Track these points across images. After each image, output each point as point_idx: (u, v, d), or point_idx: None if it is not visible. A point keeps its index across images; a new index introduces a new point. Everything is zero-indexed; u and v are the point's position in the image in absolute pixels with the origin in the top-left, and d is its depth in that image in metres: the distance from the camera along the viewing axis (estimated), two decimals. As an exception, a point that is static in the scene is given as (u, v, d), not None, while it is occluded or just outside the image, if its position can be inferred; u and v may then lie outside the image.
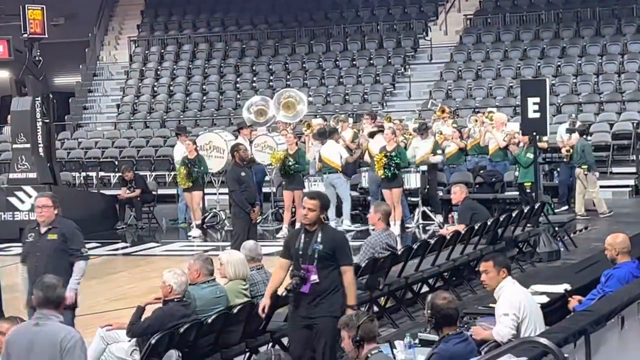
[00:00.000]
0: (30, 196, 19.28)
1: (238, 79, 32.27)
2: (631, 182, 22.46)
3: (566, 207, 20.16)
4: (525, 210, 15.38)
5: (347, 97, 29.79)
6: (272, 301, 8.93)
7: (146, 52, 34.88)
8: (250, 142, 20.19)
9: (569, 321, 7.62)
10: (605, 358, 7.36)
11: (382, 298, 12.15)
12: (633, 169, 22.81)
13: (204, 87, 32.53)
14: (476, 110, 24.90)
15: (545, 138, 19.24)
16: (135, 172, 22.94)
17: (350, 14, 33.69)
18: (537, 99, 16.32)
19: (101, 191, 24.13)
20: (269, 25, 34.34)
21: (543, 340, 5.81)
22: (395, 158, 18.13)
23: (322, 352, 8.61)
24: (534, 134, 16.96)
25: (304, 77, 31.20)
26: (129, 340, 9.10)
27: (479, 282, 10.91)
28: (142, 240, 20.15)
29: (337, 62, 31.60)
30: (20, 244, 10.53)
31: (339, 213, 19.37)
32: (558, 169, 21.07)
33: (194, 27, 35.61)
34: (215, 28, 35.22)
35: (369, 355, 6.92)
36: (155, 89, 33.14)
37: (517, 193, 19.39)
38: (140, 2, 37.09)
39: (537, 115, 16.33)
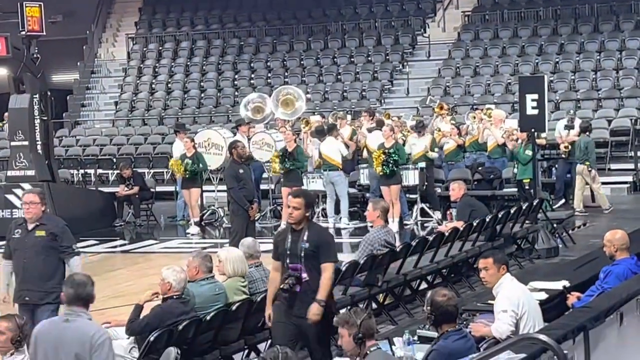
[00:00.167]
0: (28, 193, 19.26)
1: (236, 76, 32.25)
2: (629, 178, 22.46)
3: (563, 201, 20.16)
4: (524, 207, 15.38)
5: (345, 94, 29.78)
6: (275, 299, 8.84)
7: (144, 49, 34.85)
8: (249, 139, 20.19)
9: (568, 318, 7.62)
10: (604, 354, 7.36)
11: (381, 295, 12.15)
12: (631, 166, 22.80)
13: (202, 84, 32.53)
14: (474, 107, 24.89)
15: (543, 135, 19.24)
16: (134, 169, 22.92)
17: (348, 11, 33.67)
18: (536, 96, 16.31)
19: (99, 188, 24.10)
20: (267, 22, 34.32)
21: (542, 337, 5.81)
22: (393, 155, 18.14)
23: (314, 349, 8.64)
24: (533, 130, 16.96)
25: (302, 74, 31.19)
26: (128, 338, 9.11)
27: (477, 279, 10.93)
28: (140, 238, 20.15)
29: (335, 59, 31.58)
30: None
31: (338, 210, 19.37)
32: (556, 166, 21.07)
33: (191, 24, 35.60)
34: (213, 25, 35.21)
35: (368, 352, 6.90)
36: (153, 86, 33.13)
37: (516, 190, 19.40)
38: (138, 0, 37.10)
39: (536, 111, 16.31)
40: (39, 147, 20.23)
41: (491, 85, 27.97)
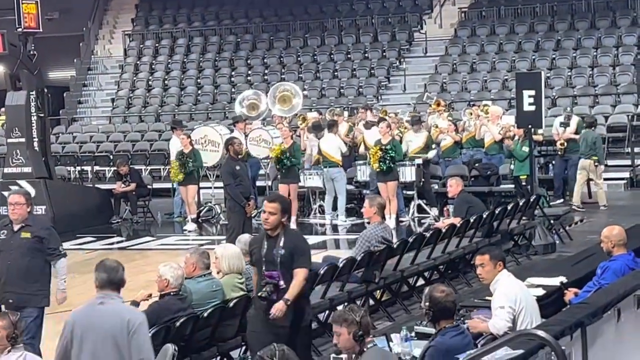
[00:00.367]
0: (25, 191, 19.27)
1: (233, 73, 32.26)
2: (626, 174, 22.47)
3: (562, 200, 20.16)
4: (521, 203, 15.38)
5: (342, 90, 29.77)
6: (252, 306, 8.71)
7: (141, 46, 34.83)
8: (246, 135, 20.18)
9: (566, 314, 7.63)
10: (601, 350, 7.37)
11: (378, 291, 12.16)
12: (628, 162, 22.81)
13: (198, 81, 32.51)
14: (471, 103, 24.89)
15: (540, 131, 19.25)
16: (131, 166, 22.90)
17: (345, 8, 33.66)
18: (532, 92, 16.31)
19: (96, 185, 24.10)
20: (264, 19, 34.31)
21: (540, 333, 5.81)
22: (390, 151, 18.13)
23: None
24: (529, 126, 16.96)
25: (299, 71, 31.18)
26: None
27: (474, 275, 10.92)
28: (137, 235, 20.14)
29: (332, 56, 31.58)
30: None
31: (335, 207, 19.36)
32: (553, 162, 21.08)
33: (188, 20, 35.58)
34: (210, 22, 35.19)
35: (365, 349, 6.86)
36: (150, 83, 33.11)
37: (513, 186, 19.41)
38: (135, -4, 37.11)
39: (532, 108, 16.32)
40: (35, 144, 20.22)
41: (488, 82, 27.98)
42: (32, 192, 19.47)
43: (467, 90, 27.99)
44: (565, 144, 20.16)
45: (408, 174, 18.97)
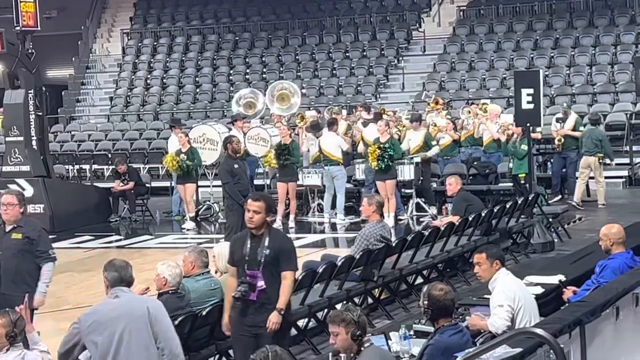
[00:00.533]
0: (23, 189, 19.25)
1: (231, 71, 32.25)
2: (625, 172, 22.48)
3: (559, 197, 20.18)
4: (519, 202, 15.38)
5: (340, 89, 29.77)
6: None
7: (139, 44, 34.82)
8: (244, 134, 20.18)
9: (564, 312, 7.62)
10: (600, 348, 7.37)
11: (377, 290, 12.15)
12: (626, 160, 22.81)
13: (197, 79, 32.50)
14: (470, 101, 24.89)
15: (538, 129, 19.24)
16: (129, 164, 22.88)
17: (343, 6, 33.67)
18: (531, 90, 16.30)
19: (95, 184, 24.07)
20: (262, 17, 34.31)
21: (538, 331, 5.81)
22: (388, 150, 18.13)
23: None
24: (528, 125, 16.96)
25: (297, 69, 31.18)
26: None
27: (473, 274, 10.90)
28: (136, 233, 20.12)
29: (330, 54, 31.58)
30: None
31: (334, 205, 19.35)
32: (552, 160, 21.08)
33: (186, 19, 35.58)
34: (208, 20, 35.19)
35: (363, 348, 6.82)
36: (148, 81, 33.10)
37: (511, 184, 19.40)
38: (133, -5, 37.10)
39: (531, 106, 16.31)
40: (34, 142, 20.22)
41: (486, 80, 27.99)
42: (31, 190, 19.58)
43: (466, 89, 27.99)
44: (562, 139, 20.15)
45: (407, 172, 18.97)
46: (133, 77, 33.44)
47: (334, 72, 30.73)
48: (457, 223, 13.61)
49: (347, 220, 19.13)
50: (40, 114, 20.39)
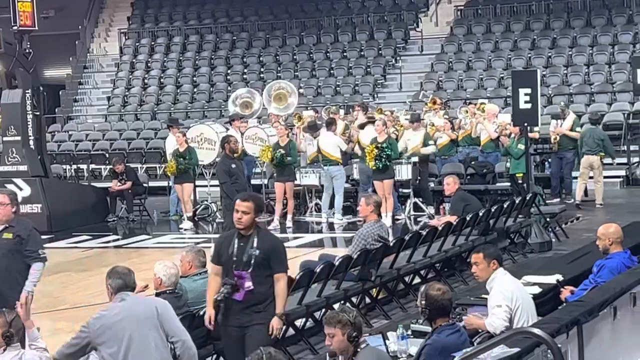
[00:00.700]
0: (21, 189, 19.26)
1: (229, 71, 32.24)
2: (622, 172, 22.48)
3: (558, 199, 20.16)
4: (517, 201, 15.38)
5: (338, 88, 29.77)
6: (217, 310, 8.44)
7: (137, 44, 34.82)
8: (242, 134, 20.17)
9: (562, 312, 7.62)
10: (597, 348, 7.37)
11: (374, 289, 12.14)
12: (624, 160, 22.82)
13: (194, 79, 32.50)
14: (467, 101, 24.88)
15: (536, 129, 19.24)
16: (126, 164, 22.86)
17: (341, 6, 33.67)
18: (528, 90, 16.29)
19: (92, 184, 24.07)
20: (260, 17, 34.31)
21: (536, 331, 5.80)
22: (386, 149, 18.11)
23: None
24: (525, 124, 16.96)
25: (295, 69, 31.18)
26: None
27: (470, 273, 10.91)
28: (133, 233, 20.11)
29: (328, 54, 31.58)
30: None
31: (332, 205, 19.35)
32: (549, 160, 21.07)
33: (184, 19, 35.57)
34: (206, 20, 35.19)
35: (359, 349, 6.78)
36: (145, 81, 33.10)
37: (509, 184, 19.40)
38: (131, -6, 37.09)
39: (528, 106, 16.31)
40: (31, 142, 20.21)
41: (484, 80, 27.99)
42: (28, 190, 19.57)
43: (463, 89, 28.00)
44: (558, 138, 20.14)
45: (404, 172, 18.97)
46: (130, 76, 33.43)
47: (332, 71, 30.74)
48: (454, 223, 13.60)
49: (345, 220, 19.12)
50: (38, 113, 20.38)
